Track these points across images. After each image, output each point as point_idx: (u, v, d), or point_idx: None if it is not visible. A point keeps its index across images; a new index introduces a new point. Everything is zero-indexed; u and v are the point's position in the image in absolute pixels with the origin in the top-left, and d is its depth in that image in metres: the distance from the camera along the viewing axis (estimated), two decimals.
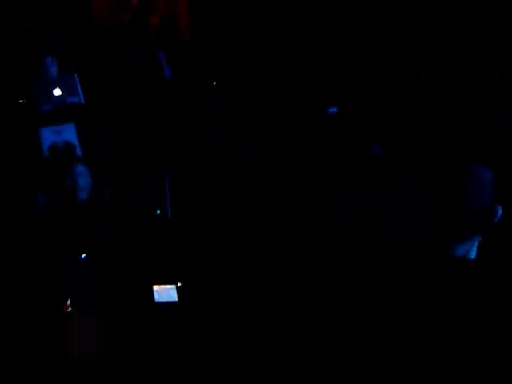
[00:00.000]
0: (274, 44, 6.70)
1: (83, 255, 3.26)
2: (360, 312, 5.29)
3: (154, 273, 3.41)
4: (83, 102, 4.35)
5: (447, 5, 5.95)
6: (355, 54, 6.28)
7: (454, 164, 6.47)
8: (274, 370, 4.89)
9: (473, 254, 3.04)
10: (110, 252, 3.34)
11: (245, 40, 6.61)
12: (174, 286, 3.32)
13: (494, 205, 3.10)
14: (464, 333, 3.25)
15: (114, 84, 5.34)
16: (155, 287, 3.15)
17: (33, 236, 3.56)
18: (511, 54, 5.87)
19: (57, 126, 4.07)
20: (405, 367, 4.58)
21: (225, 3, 6.49)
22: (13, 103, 4.48)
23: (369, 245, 6.14)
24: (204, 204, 6.78)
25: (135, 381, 3.44)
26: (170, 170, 4.14)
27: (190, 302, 5.40)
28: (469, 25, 5.89)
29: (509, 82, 5.98)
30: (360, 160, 6.63)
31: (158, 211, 3.94)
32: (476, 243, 3.00)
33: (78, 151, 3.98)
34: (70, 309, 3.09)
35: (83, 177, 3.65)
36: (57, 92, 4.30)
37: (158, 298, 3.21)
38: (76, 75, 4.40)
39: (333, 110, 4.03)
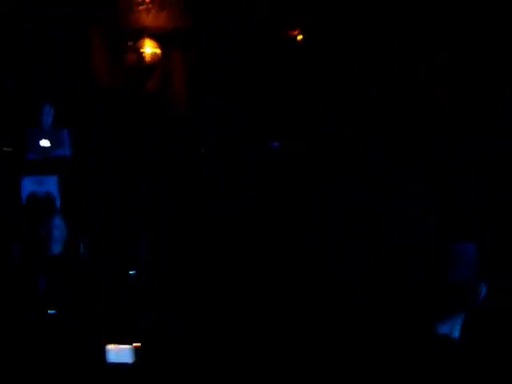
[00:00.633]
0: (274, 44, 6.79)
1: (52, 310, 3.38)
2: (360, 311, 5.56)
3: (113, 331, 3.38)
4: (69, 155, 4.50)
5: (447, 5, 5.84)
6: (355, 54, 6.30)
7: (454, 164, 6.47)
8: (274, 370, 5.17)
9: (456, 333, 2.96)
10: (75, 307, 3.43)
11: (245, 40, 6.72)
12: (129, 347, 3.22)
13: (477, 282, 2.99)
14: None
15: (101, 140, 5.57)
16: (109, 346, 3.14)
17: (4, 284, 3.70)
18: (511, 54, 5.78)
19: (39, 176, 4.28)
20: (404, 366, 4.82)
21: (226, 3, 6.58)
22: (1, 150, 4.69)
23: (369, 244, 6.32)
24: (205, 204, 7.03)
25: None
26: (147, 231, 4.31)
27: (194, 299, 5.65)
28: (469, 25, 5.78)
29: (509, 82, 5.92)
30: (360, 160, 6.68)
31: (133, 271, 4.05)
32: (459, 321, 2.93)
33: (57, 203, 4.24)
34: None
35: (59, 229, 3.79)
36: (45, 143, 4.47)
37: (112, 358, 3.15)
38: (67, 129, 4.59)
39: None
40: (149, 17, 6.88)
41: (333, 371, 4.98)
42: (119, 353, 3.20)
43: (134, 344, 3.30)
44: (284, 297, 5.86)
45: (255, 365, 4.74)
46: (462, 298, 3.01)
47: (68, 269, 3.72)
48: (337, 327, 5.57)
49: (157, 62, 7.05)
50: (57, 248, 3.82)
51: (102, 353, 3.20)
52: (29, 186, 4.28)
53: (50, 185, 4.28)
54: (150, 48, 7.09)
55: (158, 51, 7.09)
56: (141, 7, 6.74)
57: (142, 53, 7.02)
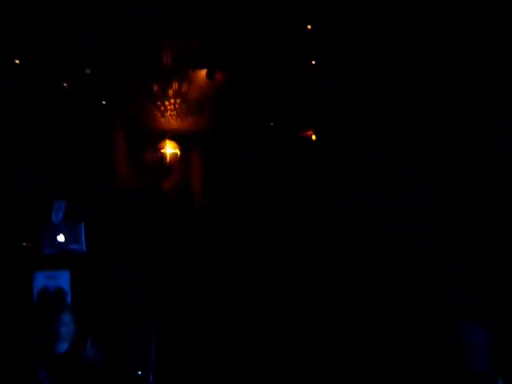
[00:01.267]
0: (274, 44, 6.54)
1: None
2: (360, 310, 5.28)
3: None
4: (84, 250, 4.48)
5: (447, 5, 5.79)
6: (355, 54, 6.18)
7: (454, 164, 6.24)
8: (274, 370, 4.85)
9: None
10: None
11: (246, 40, 6.47)
12: None
13: (492, 372, 2.82)
14: None
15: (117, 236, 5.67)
16: None
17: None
18: (511, 54, 5.70)
19: (52, 271, 4.20)
20: (404, 366, 4.49)
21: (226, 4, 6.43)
22: (18, 245, 4.84)
23: (369, 244, 6.08)
24: (207, 204, 6.86)
25: None
26: (154, 334, 4.24)
27: (194, 299, 5.38)
28: (468, 25, 5.70)
29: (509, 82, 5.80)
30: (360, 160, 6.49)
31: (139, 372, 3.93)
32: None
33: (68, 299, 4.20)
34: None
35: (67, 326, 3.73)
36: (61, 238, 4.44)
37: None
38: (83, 224, 4.55)
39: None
40: (173, 121, 7.19)
41: (333, 370, 4.84)
42: None
43: None
44: (284, 296, 5.79)
45: (255, 363, 4.74)
46: None
47: (72, 368, 3.61)
48: (336, 326, 5.36)
49: (176, 161, 7.27)
50: (63, 345, 3.74)
51: None
52: (41, 280, 4.24)
53: (63, 280, 4.25)
54: (170, 148, 7.35)
55: (178, 151, 7.34)
56: (166, 112, 7.07)
57: (162, 153, 7.27)
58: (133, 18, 5.41)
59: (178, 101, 6.96)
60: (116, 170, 6.80)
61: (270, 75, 6.17)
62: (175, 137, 7.33)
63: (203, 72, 6.17)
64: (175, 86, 6.68)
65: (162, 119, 7.10)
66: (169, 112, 7.05)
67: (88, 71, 6.14)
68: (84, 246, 4.42)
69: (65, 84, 6.46)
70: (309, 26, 5.41)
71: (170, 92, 6.76)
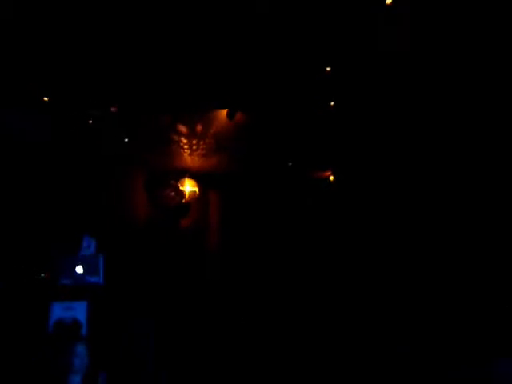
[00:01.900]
0: (293, 85, 6.54)
1: None
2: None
3: None
4: (102, 282, 4.46)
5: (448, 5, 5.58)
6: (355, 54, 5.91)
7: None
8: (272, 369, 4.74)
9: None
10: None
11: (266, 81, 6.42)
12: None
13: None
14: None
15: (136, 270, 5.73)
16: None
17: None
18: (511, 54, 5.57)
19: (68, 302, 4.21)
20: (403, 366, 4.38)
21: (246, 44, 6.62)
22: (35, 276, 4.86)
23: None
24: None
25: None
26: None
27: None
28: (468, 25, 5.53)
29: (509, 84, 5.70)
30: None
31: None
32: None
33: (84, 330, 4.19)
34: None
35: (80, 358, 3.76)
36: (79, 269, 4.46)
37: None
38: (102, 256, 4.57)
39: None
40: (193, 159, 7.30)
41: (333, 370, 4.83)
42: None
43: None
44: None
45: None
46: None
47: None
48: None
49: (194, 199, 7.35)
50: (76, 378, 3.74)
51: None
52: (57, 311, 4.23)
53: (79, 311, 4.25)
54: (189, 187, 7.44)
55: (197, 190, 7.42)
56: (186, 151, 7.19)
57: (181, 191, 7.35)
58: (157, 57, 5.58)
59: (198, 140, 7.10)
60: (135, 206, 6.89)
61: (288, 115, 6.27)
62: (194, 175, 7.45)
63: (224, 112, 6.30)
64: (196, 125, 6.82)
65: (182, 157, 7.23)
66: (189, 151, 7.18)
67: (113, 109, 6.30)
68: (102, 278, 4.44)
69: (90, 121, 6.63)
70: (328, 68, 5.51)
71: (191, 131, 6.90)
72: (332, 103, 5.96)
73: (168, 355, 5.27)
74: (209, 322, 6.27)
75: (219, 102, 6.20)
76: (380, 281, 6.22)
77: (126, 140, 6.91)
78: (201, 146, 7.20)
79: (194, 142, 7.09)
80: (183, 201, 7.34)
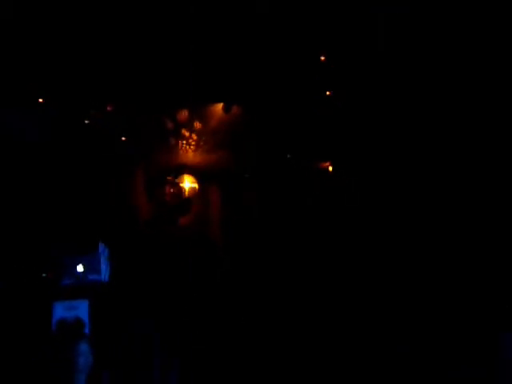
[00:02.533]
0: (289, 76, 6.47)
1: None
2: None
3: None
4: (104, 280, 4.50)
5: (447, 5, 5.64)
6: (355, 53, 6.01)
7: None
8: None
9: None
10: None
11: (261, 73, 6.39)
12: None
13: None
14: None
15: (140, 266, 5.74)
16: None
17: None
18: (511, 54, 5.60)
19: (71, 302, 4.15)
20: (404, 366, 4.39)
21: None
22: (37, 276, 4.90)
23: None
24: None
25: None
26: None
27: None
28: (468, 25, 5.60)
29: (508, 83, 5.70)
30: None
31: None
32: None
33: (87, 329, 4.20)
34: None
35: (84, 356, 3.71)
36: (80, 268, 4.46)
37: None
38: (101, 254, 4.56)
39: None
40: (191, 155, 7.30)
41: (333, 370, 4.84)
42: None
43: None
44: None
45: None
46: None
47: None
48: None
49: (194, 195, 7.34)
50: (80, 376, 3.70)
51: None
52: (60, 311, 4.23)
53: (81, 309, 4.25)
54: (188, 183, 7.43)
55: (196, 186, 7.42)
56: (185, 147, 7.18)
57: (181, 187, 7.35)
58: (152, 55, 5.58)
59: (196, 136, 7.08)
60: (134, 204, 6.89)
61: (285, 107, 6.26)
62: (193, 171, 7.44)
63: (220, 106, 6.29)
64: (194, 121, 6.81)
65: (180, 154, 7.22)
66: (187, 146, 7.17)
67: (109, 108, 6.30)
68: (103, 276, 4.45)
69: (86, 121, 6.63)
70: (322, 58, 5.49)
71: (188, 126, 6.89)
72: (328, 92, 5.94)
73: (173, 353, 5.28)
74: (213, 319, 6.27)
75: (215, 96, 6.19)
76: (380, 280, 6.20)
77: (124, 139, 6.91)
78: (199, 142, 7.19)
79: (192, 137, 7.08)
80: (183, 197, 7.35)
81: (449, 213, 6.23)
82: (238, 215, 7.32)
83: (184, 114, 6.71)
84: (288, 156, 7.00)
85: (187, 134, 6.99)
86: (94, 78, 5.90)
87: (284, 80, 5.86)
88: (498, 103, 5.83)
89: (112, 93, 6.22)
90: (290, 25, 5.39)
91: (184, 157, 7.30)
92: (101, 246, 4.60)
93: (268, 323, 6.12)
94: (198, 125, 6.86)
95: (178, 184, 7.32)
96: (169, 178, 7.24)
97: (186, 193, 7.41)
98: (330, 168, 7.14)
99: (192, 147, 7.22)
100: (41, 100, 6.19)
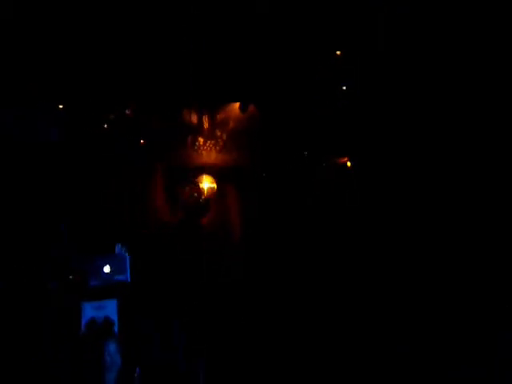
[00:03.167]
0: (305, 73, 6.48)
1: None
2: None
3: None
4: (129, 280, 4.53)
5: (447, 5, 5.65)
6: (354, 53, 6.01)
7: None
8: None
9: None
10: None
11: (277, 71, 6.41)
12: None
13: None
14: None
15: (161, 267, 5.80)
16: None
17: None
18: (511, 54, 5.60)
19: (99, 302, 4.30)
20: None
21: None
22: (65, 278, 4.98)
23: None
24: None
25: None
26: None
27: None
28: (468, 26, 5.62)
29: (508, 83, 5.69)
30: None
31: None
32: None
33: (116, 328, 4.26)
34: None
35: (111, 355, 3.85)
36: (107, 269, 4.54)
37: None
38: (128, 255, 4.65)
39: None
40: (209, 156, 7.35)
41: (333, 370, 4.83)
42: None
43: None
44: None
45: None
46: None
47: None
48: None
49: (213, 195, 7.40)
50: (110, 375, 3.81)
51: None
52: (89, 311, 4.33)
53: (110, 309, 4.34)
54: (207, 183, 7.49)
55: (215, 186, 7.47)
56: (203, 147, 7.24)
57: (200, 188, 7.41)
58: (166, 57, 5.63)
59: (214, 136, 7.14)
60: (155, 206, 6.96)
61: (302, 105, 6.28)
62: (212, 171, 7.50)
63: (237, 106, 6.33)
64: (211, 121, 6.86)
65: (199, 154, 7.28)
66: (205, 147, 7.23)
67: (127, 111, 6.37)
68: (129, 276, 4.52)
69: (105, 125, 6.72)
70: (338, 52, 5.50)
71: (206, 127, 6.95)
72: (344, 87, 5.94)
73: (199, 352, 5.33)
74: (235, 317, 6.31)
75: (231, 96, 6.23)
76: (380, 280, 6.20)
77: (143, 141, 6.99)
78: (217, 142, 7.24)
79: (210, 138, 7.13)
80: (202, 198, 7.40)
81: (448, 213, 6.21)
82: (256, 214, 7.36)
83: (201, 115, 6.76)
84: (305, 153, 7.02)
85: (205, 134, 7.05)
86: (112, 79, 5.96)
87: (298, 78, 5.88)
88: (501, 97, 5.81)
89: (130, 95, 6.29)
90: (304, 23, 5.42)
91: (202, 157, 7.36)
92: (117, 247, 4.67)
93: (282, 321, 6.13)
94: (215, 125, 6.91)
95: (197, 184, 7.38)
96: (188, 178, 7.31)
97: (205, 193, 7.47)
98: (349, 163, 7.15)
99: (210, 147, 7.28)
100: (61, 106, 6.29)
